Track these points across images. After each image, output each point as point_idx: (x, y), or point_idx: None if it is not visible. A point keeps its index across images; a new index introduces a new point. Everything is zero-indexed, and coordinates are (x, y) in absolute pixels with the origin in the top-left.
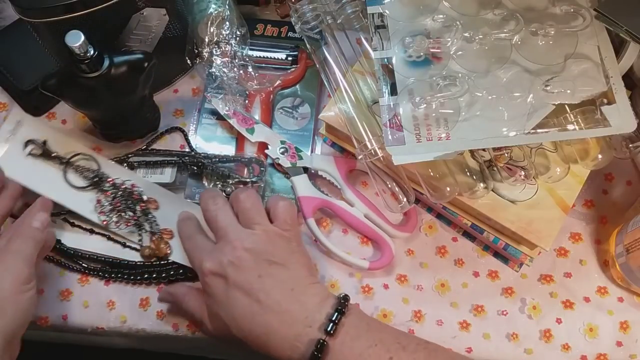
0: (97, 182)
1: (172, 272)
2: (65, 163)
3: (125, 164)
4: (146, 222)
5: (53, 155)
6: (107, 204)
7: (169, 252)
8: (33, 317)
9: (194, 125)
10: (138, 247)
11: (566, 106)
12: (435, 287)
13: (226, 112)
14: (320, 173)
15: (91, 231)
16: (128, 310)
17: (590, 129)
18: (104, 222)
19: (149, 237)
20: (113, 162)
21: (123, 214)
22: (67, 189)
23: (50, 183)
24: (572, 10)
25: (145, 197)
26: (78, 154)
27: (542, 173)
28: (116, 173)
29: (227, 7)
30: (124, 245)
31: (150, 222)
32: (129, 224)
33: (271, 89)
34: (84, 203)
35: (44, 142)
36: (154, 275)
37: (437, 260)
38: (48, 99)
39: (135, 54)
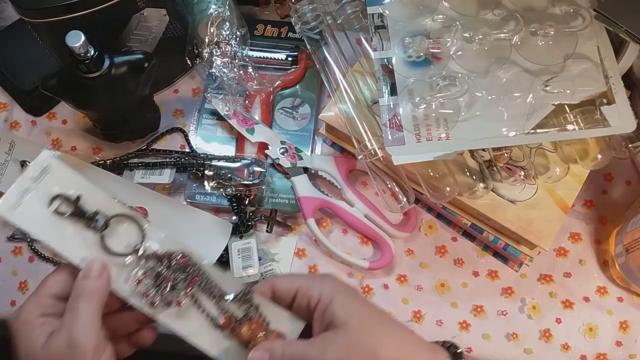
0: (138, 250)
1: None
2: (103, 226)
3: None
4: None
5: (87, 215)
6: (151, 278)
7: None
8: None
9: (194, 126)
10: None
11: (566, 106)
12: (435, 287)
13: (226, 113)
14: (320, 173)
15: None
16: None
17: (589, 129)
18: (151, 305)
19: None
20: (161, 234)
21: (173, 291)
22: (101, 255)
23: (79, 247)
24: (571, 10)
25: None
26: (115, 216)
27: (541, 173)
28: (165, 244)
29: (227, 7)
30: None
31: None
32: (180, 303)
33: (271, 90)
34: (120, 276)
35: (78, 198)
36: None
37: (437, 260)
38: (48, 99)
39: (135, 54)
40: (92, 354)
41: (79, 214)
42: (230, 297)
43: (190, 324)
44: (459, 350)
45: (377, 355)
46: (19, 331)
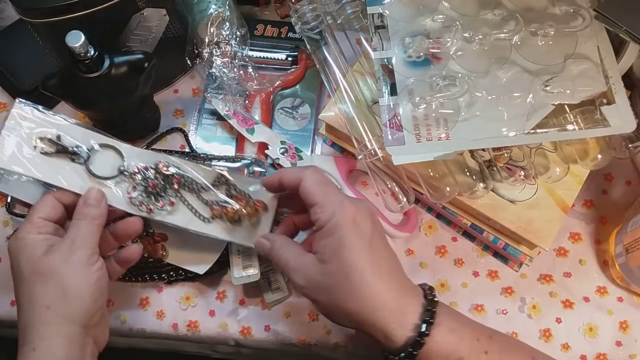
0: (123, 170)
1: (171, 273)
2: (87, 155)
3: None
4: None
5: (70, 150)
6: (141, 189)
7: (164, 253)
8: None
9: (194, 126)
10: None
11: (566, 106)
12: (435, 287)
13: (226, 113)
14: None
15: None
16: (128, 310)
17: (589, 129)
18: (149, 211)
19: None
20: (137, 149)
21: (163, 194)
22: (92, 181)
23: (73, 179)
24: (571, 10)
25: (176, 171)
26: (94, 145)
27: (541, 173)
28: (143, 158)
29: (227, 7)
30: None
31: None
32: (172, 203)
33: (271, 90)
34: (115, 194)
35: (58, 137)
36: (154, 275)
37: (437, 260)
38: (48, 99)
39: (135, 54)
40: (88, 259)
41: (63, 150)
42: (209, 184)
43: (185, 216)
44: (435, 299)
45: (343, 297)
46: (19, 248)
